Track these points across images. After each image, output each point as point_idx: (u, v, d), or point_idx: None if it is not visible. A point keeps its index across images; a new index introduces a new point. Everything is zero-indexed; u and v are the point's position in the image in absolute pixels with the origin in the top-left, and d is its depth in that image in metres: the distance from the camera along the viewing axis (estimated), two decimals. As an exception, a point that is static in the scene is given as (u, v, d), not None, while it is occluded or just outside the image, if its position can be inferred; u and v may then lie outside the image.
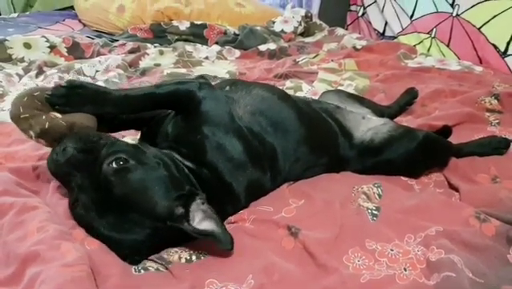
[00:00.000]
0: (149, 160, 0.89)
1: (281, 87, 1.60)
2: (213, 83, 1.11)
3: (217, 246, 0.85)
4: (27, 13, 3.11)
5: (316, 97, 1.54)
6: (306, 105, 1.21)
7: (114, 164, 0.84)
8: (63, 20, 2.89)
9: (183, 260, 0.88)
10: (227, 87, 1.15)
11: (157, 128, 1.04)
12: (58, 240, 0.79)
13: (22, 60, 1.99)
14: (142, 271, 0.84)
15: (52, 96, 0.90)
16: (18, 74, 1.80)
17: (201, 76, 1.10)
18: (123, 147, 0.90)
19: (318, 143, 1.15)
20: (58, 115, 0.91)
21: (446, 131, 1.35)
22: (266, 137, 1.06)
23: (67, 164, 0.86)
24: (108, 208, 0.83)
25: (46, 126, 0.89)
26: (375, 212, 1.00)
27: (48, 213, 0.88)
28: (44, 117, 0.89)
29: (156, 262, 0.87)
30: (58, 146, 0.88)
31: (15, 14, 2.99)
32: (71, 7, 3.07)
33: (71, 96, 0.92)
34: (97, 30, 2.64)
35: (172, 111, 1.04)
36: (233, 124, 1.01)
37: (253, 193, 1.03)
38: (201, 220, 0.85)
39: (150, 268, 0.85)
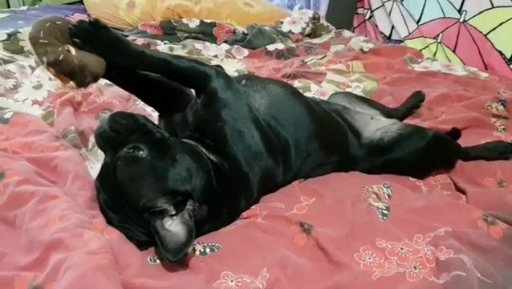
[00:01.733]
0: (165, 154, 0.90)
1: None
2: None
3: (161, 252, 0.83)
4: (36, 6, 3.12)
5: (325, 98, 1.57)
6: (316, 104, 1.23)
7: (129, 151, 0.88)
8: (72, 14, 2.89)
9: (197, 252, 0.90)
10: (243, 81, 1.17)
11: (177, 116, 1.06)
12: (80, 228, 0.81)
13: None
14: (157, 261, 0.87)
15: (75, 28, 0.92)
16: (30, 66, 1.81)
17: (219, 66, 1.10)
18: (149, 136, 0.92)
19: (328, 140, 1.17)
20: (73, 50, 0.92)
21: (455, 133, 1.38)
22: (280, 131, 1.08)
23: (100, 137, 0.92)
24: (110, 190, 0.89)
25: (60, 58, 0.90)
26: (385, 211, 1.03)
27: (69, 202, 0.90)
28: (60, 49, 0.91)
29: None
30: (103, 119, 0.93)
31: (25, 7, 3.01)
32: (80, 1, 3.08)
33: (93, 35, 0.93)
34: (106, 25, 2.66)
35: (191, 99, 1.05)
36: (251, 112, 1.03)
37: (265, 185, 1.05)
38: (176, 223, 0.85)
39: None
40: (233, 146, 0.99)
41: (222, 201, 0.96)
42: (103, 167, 0.93)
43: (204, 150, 0.98)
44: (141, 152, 0.88)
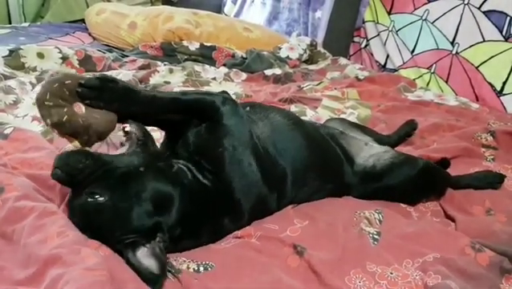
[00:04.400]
0: (128, 192, 0.90)
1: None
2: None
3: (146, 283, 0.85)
4: (38, 23, 3.17)
5: (320, 122, 1.60)
6: (316, 131, 1.26)
7: (88, 198, 0.88)
8: (74, 32, 2.95)
9: (191, 270, 0.92)
10: (247, 108, 1.19)
11: (180, 134, 1.06)
12: (78, 245, 0.83)
13: (34, 69, 2.03)
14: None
15: (84, 88, 0.92)
16: (31, 82, 1.85)
17: (225, 92, 1.13)
18: (110, 176, 0.91)
19: (325, 170, 1.20)
20: (83, 108, 0.92)
21: (445, 163, 1.41)
22: (279, 160, 1.10)
23: (58, 181, 0.94)
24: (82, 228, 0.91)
25: (64, 119, 0.91)
26: (376, 236, 1.05)
27: (67, 219, 0.91)
28: (66, 109, 0.91)
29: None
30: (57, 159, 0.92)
31: (26, 24, 3.05)
32: (82, 20, 3.14)
33: (102, 91, 0.93)
34: (107, 45, 2.70)
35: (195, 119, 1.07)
36: (252, 141, 1.05)
37: (257, 212, 1.07)
38: (147, 255, 0.87)
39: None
40: (230, 173, 1.00)
41: (201, 221, 0.98)
42: (70, 202, 0.94)
43: (196, 172, 1.00)
44: (101, 199, 0.88)
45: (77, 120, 0.92)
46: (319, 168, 1.18)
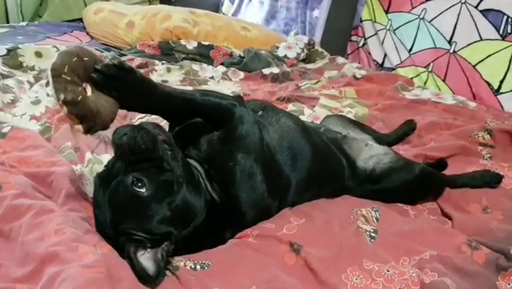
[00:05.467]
0: (165, 197, 0.90)
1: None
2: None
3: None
4: (36, 22, 3.16)
5: (318, 121, 1.61)
6: (320, 138, 1.25)
7: (133, 182, 0.88)
8: (71, 31, 2.94)
9: (188, 268, 0.92)
10: (260, 112, 1.17)
11: (191, 135, 1.05)
12: (75, 242, 0.83)
13: (32, 68, 2.04)
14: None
15: (100, 75, 0.89)
16: (29, 81, 1.85)
17: (239, 96, 1.09)
18: (159, 174, 0.91)
19: (327, 177, 1.20)
20: (89, 91, 0.89)
21: (442, 164, 1.41)
22: (284, 168, 1.10)
23: (116, 147, 0.92)
24: (101, 203, 0.91)
25: (78, 99, 0.86)
26: (373, 234, 1.06)
27: (64, 216, 0.92)
28: (80, 89, 0.87)
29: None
30: (124, 129, 0.90)
31: (24, 23, 3.05)
32: (80, 19, 3.13)
33: (119, 81, 0.90)
34: (105, 44, 2.70)
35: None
36: (263, 152, 1.03)
37: (259, 219, 1.07)
38: (147, 258, 0.87)
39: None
40: (239, 188, 0.99)
41: (205, 234, 0.98)
42: (108, 169, 0.94)
43: (207, 183, 0.99)
44: (143, 190, 0.88)
45: (89, 103, 0.88)
46: (322, 176, 1.18)
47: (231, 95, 1.11)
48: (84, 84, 0.89)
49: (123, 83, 0.90)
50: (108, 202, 0.90)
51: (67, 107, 0.86)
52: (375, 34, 2.66)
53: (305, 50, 2.64)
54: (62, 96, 0.85)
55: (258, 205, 1.03)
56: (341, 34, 2.82)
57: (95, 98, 0.89)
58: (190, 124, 1.06)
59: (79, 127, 0.90)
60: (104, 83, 0.90)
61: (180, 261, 0.94)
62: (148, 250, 0.88)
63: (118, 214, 0.89)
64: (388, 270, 0.95)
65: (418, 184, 1.25)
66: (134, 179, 0.88)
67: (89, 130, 0.91)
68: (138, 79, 0.92)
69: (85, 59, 0.89)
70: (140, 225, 0.88)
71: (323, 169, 1.18)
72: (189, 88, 2.00)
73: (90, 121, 0.89)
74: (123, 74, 0.90)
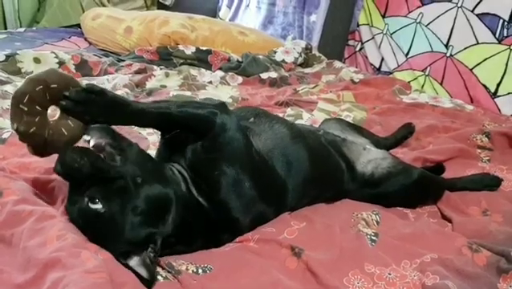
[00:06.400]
0: (125, 204, 0.88)
1: (282, 115, 1.67)
2: (236, 111, 1.14)
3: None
4: (34, 28, 3.17)
5: (316, 125, 1.61)
6: (317, 141, 1.25)
7: (88, 203, 0.87)
8: (69, 37, 2.95)
9: (190, 272, 0.92)
10: (251, 119, 1.17)
11: (178, 143, 1.04)
12: (77, 248, 0.83)
13: (30, 74, 2.03)
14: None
15: (68, 101, 0.88)
16: (27, 87, 1.84)
17: (223, 103, 1.12)
18: (109, 185, 0.88)
19: (326, 181, 1.21)
20: (57, 115, 0.90)
21: (440, 167, 1.42)
22: (279, 173, 1.09)
23: (60, 176, 0.92)
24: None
25: (30, 131, 0.88)
26: (374, 237, 1.06)
27: (66, 222, 0.91)
28: (37, 119, 0.88)
29: (165, 269, 0.91)
30: (60, 157, 0.88)
31: (22, 29, 3.05)
32: (78, 25, 3.14)
33: (88, 105, 0.89)
34: (103, 49, 2.71)
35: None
36: (249, 157, 1.03)
37: (255, 224, 1.06)
38: (138, 265, 0.88)
39: (159, 277, 0.90)
40: (227, 195, 0.98)
41: (197, 233, 0.98)
42: (69, 200, 0.93)
43: (192, 188, 0.99)
44: (99, 206, 0.86)
45: (43, 132, 0.89)
46: (320, 180, 1.18)
47: (213, 103, 1.10)
48: (51, 110, 0.90)
49: (93, 107, 0.90)
50: (81, 230, 0.90)
51: (18, 135, 0.90)
52: (372, 38, 2.67)
53: (302, 55, 2.65)
54: (15, 126, 0.88)
55: (250, 210, 1.02)
56: (338, 39, 2.83)
57: (59, 123, 0.90)
58: (178, 136, 1.05)
59: (30, 148, 0.93)
60: (73, 110, 0.89)
61: (182, 264, 0.94)
62: (135, 257, 0.88)
63: (93, 238, 0.89)
64: (389, 274, 0.95)
65: (417, 188, 1.26)
66: (87, 198, 0.87)
67: (38, 154, 0.94)
68: (109, 101, 0.91)
69: (52, 86, 0.88)
70: (117, 241, 0.88)
71: (321, 173, 1.19)
72: (188, 94, 2.01)
73: (39, 148, 0.92)
74: (93, 98, 0.89)
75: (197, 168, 1.00)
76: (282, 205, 1.12)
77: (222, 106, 1.06)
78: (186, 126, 1.01)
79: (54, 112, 0.94)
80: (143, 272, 0.87)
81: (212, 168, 0.99)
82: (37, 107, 0.88)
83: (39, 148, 0.92)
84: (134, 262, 0.88)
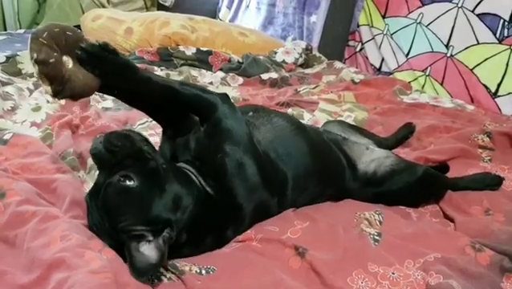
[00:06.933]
0: (154, 184, 0.92)
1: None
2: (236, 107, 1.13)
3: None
4: (33, 29, 3.15)
5: (318, 126, 1.61)
6: (318, 136, 1.26)
7: (120, 179, 0.89)
8: (69, 38, 2.94)
9: (193, 273, 0.92)
10: (250, 113, 1.19)
11: (180, 138, 1.07)
12: (81, 248, 0.83)
13: (31, 75, 2.02)
14: (155, 281, 0.88)
15: (83, 53, 0.90)
16: (28, 88, 1.85)
17: (225, 94, 1.10)
18: (143, 164, 0.93)
19: (327, 175, 1.21)
20: (70, 64, 0.90)
21: (444, 167, 1.42)
22: (280, 164, 1.10)
23: (95, 157, 0.95)
24: (96, 207, 0.91)
25: (50, 60, 0.88)
26: (377, 237, 1.06)
27: (69, 223, 0.92)
28: (55, 54, 0.89)
29: (169, 270, 0.91)
30: (97, 138, 0.94)
31: (22, 30, 3.05)
32: (78, 26, 3.13)
33: (101, 60, 0.91)
34: (103, 51, 2.70)
35: (196, 122, 1.06)
36: (251, 144, 1.05)
37: (258, 215, 1.07)
38: (149, 248, 0.88)
39: (163, 278, 0.89)
40: (232, 178, 1.00)
41: (206, 230, 0.99)
42: (96, 184, 0.95)
43: (200, 179, 1.01)
44: (131, 183, 0.90)
45: (61, 68, 0.89)
46: (321, 173, 1.18)
47: (216, 92, 1.12)
48: (66, 57, 0.90)
49: (104, 64, 0.92)
50: (102, 206, 0.90)
51: (38, 67, 0.89)
52: (373, 38, 2.67)
53: (303, 56, 2.65)
54: (34, 55, 0.88)
55: (253, 197, 1.03)
56: (338, 39, 2.84)
57: (73, 70, 0.91)
58: (180, 129, 1.08)
59: (48, 88, 0.91)
60: (87, 61, 0.91)
61: (185, 265, 0.93)
62: (152, 240, 0.88)
63: (114, 214, 0.89)
64: (393, 273, 0.95)
65: (421, 186, 1.25)
66: (120, 177, 0.90)
67: (57, 94, 0.92)
68: (120, 62, 0.94)
69: (68, 33, 0.91)
70: (138, 218, 0.88)
71: (321, 166, 1.19)
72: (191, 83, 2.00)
73: (59, 85, 0.90)
74: (106, 54, 0.92)
75: (202, 155, 1.03)
76: (284, 198, 1.12)
77: (225, 96, 1.09)
78: (188, 104, 1.04)
79: (66, 63, 0.93)
80: (153, 255, 0.86)
81: (216, 152, 1.01)
82: (54, 45, 0.89)
83: (58, 82, 0.90)
84: (145, 246, 0.87)
